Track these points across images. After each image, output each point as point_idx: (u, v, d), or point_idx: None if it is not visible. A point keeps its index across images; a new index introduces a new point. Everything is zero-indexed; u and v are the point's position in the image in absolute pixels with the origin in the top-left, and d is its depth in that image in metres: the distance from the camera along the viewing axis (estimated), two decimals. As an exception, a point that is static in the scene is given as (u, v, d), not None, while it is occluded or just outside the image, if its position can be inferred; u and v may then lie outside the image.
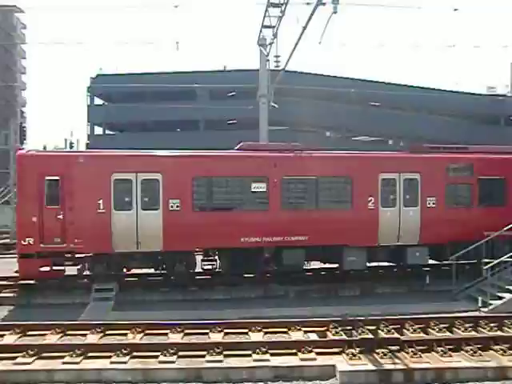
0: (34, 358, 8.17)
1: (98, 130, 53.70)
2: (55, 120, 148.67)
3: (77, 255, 13.60)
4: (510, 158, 15.88)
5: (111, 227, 13.33)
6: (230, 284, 14.21)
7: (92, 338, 9.21)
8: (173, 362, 8.03)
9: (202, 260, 14.97)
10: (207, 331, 9.67)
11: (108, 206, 13.40)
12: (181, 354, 8.34)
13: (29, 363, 7.97)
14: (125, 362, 7.97)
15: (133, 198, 13.57)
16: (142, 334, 9.47)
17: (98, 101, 53.55)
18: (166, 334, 9.53)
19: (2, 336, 9.43)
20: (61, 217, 13.24)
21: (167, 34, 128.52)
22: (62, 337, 9.43)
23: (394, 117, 47.44)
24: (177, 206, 13.65)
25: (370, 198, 14.52)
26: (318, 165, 14.64)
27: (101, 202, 13.37)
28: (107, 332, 9.58)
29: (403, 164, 15.19)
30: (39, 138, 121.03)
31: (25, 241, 13.23)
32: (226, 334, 9.63)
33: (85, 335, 9.46)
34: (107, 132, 54.48)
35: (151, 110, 44.61)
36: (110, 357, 8.15)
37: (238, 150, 15.17)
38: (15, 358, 8.19)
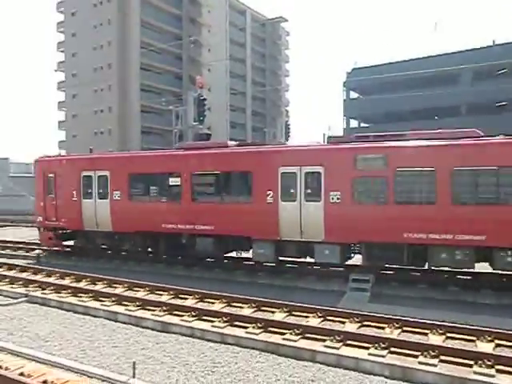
0: (299, 337, 8.93)
1: (354, 124, 55.28)
2: (316, 116, 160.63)
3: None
4: (441, 145, 12.61)
5: (82, 211, 17.95)
6: (503, 288, 12.37)
7: (350, 327, 9.47)
8: (434, 366, 7.50)
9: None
10: (474, 338, 8.69)
11: (79, 195, 18.09)
12: (443, 358, 7.73)
13: (295, 341, 8.77)
14: (383, 356, 7.87)
15: (93, 190, 17.82)
16: (399, 330, 9.20)
17: (354, 95, 55.10)
18: (426, 334, 9.00)
19: (273, 313, 10.68)
20: (54, 203, 18.66)
21: (424, 16, 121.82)
22: (322, 321, 10.03)
23: None
24: (118, 197, 17.19)
25: (268, 192, 14.35)
26: (220, 161, 15.61)
27: (75, 192, 18.14)
28: (364, 323, 9.70)
29: (304, 157, 14.26)
30: (301, 135, 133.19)
31: (38, 218, 19.42)
32: (498, 345, 8.42)
33: (343, 323, 9.82)
34: (362, 125, 55.53)
35: (406, 99, 43.10)
36: (367, 348, 8.21)
37: (176, 148, 17.56)
38: (284, 334, 9.15)
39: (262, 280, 14.82)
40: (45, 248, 19.84)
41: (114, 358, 8.45)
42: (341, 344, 8.45)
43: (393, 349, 8.16)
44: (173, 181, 16.23)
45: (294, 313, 10.61)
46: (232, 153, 15.74)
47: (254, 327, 9.51)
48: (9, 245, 21.95)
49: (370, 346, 8.28)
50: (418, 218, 12.67)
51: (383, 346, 8.15)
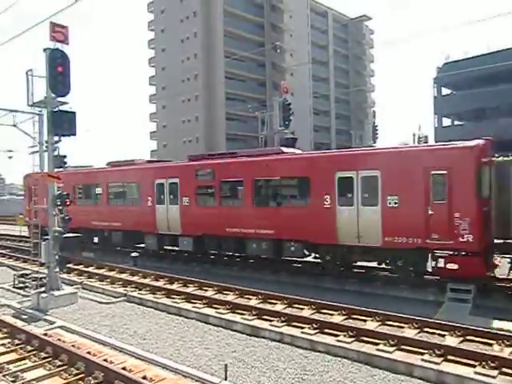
0: (394, 348, 8.46)
1: (447, 122, 51.89)
2: (404, 116, 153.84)
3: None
4: (246, 161, 17.15)
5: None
6: None
7: (451, 341, 8.78)
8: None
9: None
10: None
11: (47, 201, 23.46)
12: None
13: (389, 352, 8.32)
14: (493, 377, 7.16)
15: None
16: (511, 349, 8.32)
17: (446, 91, 51.75)
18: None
19: (364, 321, 10.28)
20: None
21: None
22: (419, 332, 9.42)
23: None
24: (71, 202, 21.51)
25: (149, 198, 19.75)
26: (121, 175, 21.79)
27: (45, 199, 22.85)
28: (467, 337, 8.94)
29: (168, 172, 19.62)
30: (389, 136, 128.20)
31: (26, 218, 25.73)
32: None
33: (443, 336, 9.14)
34: (456, 122, 51.96)
35: (507, 91, 39.47)
36: (473, 366, 7.54)
37: (106, 165, 23.47)
38: (377, 344, 8.74)
39: (350, 287, 14.40)
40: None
41: (206, 359, 8.65)
42: (441, 359, 7.85)
43: (505, 369, 7.36)
44: (98, 190, 22.68)
45: (387, 322, 10.10)
46: (128, 169, 21.50)
47: (345, 335, 9.21)
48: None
49: (475, 363, 7.58)
50: (234, 216, 17.01)
51: (492, 365, 7.40)
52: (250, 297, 12.71)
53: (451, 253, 12.33)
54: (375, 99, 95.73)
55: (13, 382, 7.38)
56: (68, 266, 17.62)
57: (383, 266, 14.40)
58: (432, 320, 9.88)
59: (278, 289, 13.37)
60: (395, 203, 13.12)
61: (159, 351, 9.08)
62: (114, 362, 7.96)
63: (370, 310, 10.61)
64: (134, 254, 19.10)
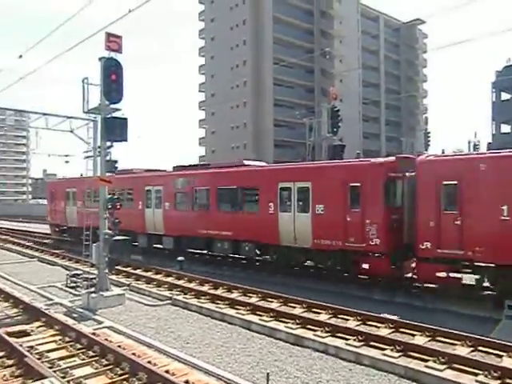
0: (445, 366, 8.02)
1: (507, 128, 49.26)
2: (458, 122, 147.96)
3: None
4: (211, 172, 20.52)
5: (66, 213, 28.34)
6: None
7: (509, 362, 8.19)
8: None
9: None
10: None
11: (65, 203, 28.27)
12: None
13: (440, 370, 7.90)
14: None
15: (70, 200, 28.27)
16: None
17: (505, 96, 49.19)
18: None
19: (413, 335, 9.83)
20: (54, 208, 29.85)
21: None
22: (472, 351, 8.89)
23: None
24: (80, 205, 25.20)
25: (139, 202, 23.02)
26: (120, 182, 22.33)
27: (63, 202, 28.46)
28: (528, 360, 8.31)
29: (155, 180, 22.70)
30: (442, 143, 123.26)
31: (48, 218, 31.82)
32: None
33: (499, 356, 8.56)
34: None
35: None
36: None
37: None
38: (426, 360, 8.32)
39: (399, 299, 13.90)
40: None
41: (249, 366, 8.57)
42: (498, 382, 7.35)
43: None
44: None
45: (437, 338, 9.62)
46: (125, 177, 23.76)
47: (391, 350, 8.86)
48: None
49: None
50: (203, 219, 19.71)
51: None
52: (294, 305, 12.53)
53: (368, 254, 14.56)
54: (428, 105, 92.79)
55: (62, 377, 7.62)
56: (117, 267, 18.17)
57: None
58: (488, 339, 9.30)
59: (324, 298, 13.09)
60: (322, 210, 15.62)
61: (202, 356, 9.10)
62: (158, 365, 8.05)
63: (418, 324, 10.15)
64: (180, 258, 19.43)
